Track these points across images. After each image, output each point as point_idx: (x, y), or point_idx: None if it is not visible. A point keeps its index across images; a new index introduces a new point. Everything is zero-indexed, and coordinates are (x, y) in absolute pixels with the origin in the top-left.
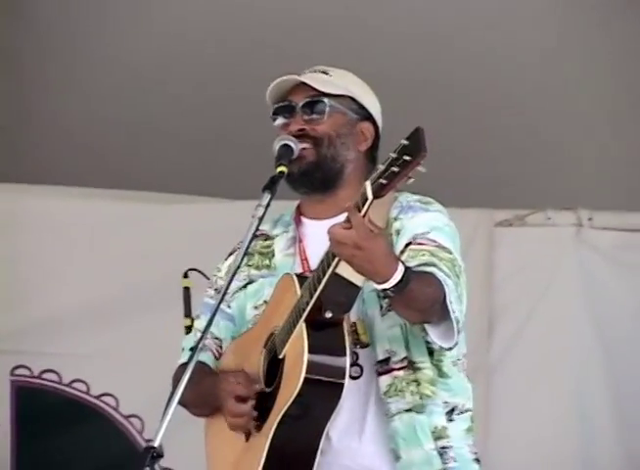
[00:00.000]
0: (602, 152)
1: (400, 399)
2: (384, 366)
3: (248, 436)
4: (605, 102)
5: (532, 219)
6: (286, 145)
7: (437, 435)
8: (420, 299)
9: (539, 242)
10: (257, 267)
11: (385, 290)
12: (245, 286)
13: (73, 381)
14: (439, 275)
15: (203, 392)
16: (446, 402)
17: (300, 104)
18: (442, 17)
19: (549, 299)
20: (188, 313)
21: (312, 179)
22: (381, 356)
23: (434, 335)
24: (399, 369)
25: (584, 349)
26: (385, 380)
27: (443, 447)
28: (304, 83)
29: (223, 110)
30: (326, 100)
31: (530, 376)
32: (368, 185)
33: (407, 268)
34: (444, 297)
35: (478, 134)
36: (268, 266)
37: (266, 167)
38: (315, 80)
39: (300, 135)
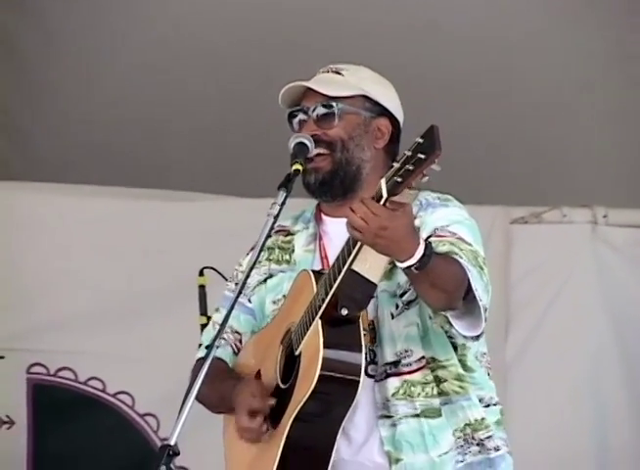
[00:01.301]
0: (617, 149)
1: (408, 403)
2: (392, 368)
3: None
4: (621, 99)
5: (548, 217)
6: (301, 143)
7: (474, 428)
8: (445, 276)
9: (555, 239)
10: (278, 262)
11: (409, 267)
12: (265, 280)
13: (89, 379)
14: (462, 261)
15: (221, 395)
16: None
17: (311, 109)
18: (462, 14)
19: (565, 296)
20: (204, 312)
21: (331, 188)
22: (389, 358)
23: (459, 326)
24: (413, 371)
25: (601, 345)
26: (392, 382)
27: (482, 439)
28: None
29: (239, 107)
30: (335, 104)
31: (547, 373)
32: (383, 183)
33: (428, 242)
34: (468, 283)
35: (494, 132)
36: (288, 261)
37: (282, 165)
38: (324, 84)
39: (314, 141)
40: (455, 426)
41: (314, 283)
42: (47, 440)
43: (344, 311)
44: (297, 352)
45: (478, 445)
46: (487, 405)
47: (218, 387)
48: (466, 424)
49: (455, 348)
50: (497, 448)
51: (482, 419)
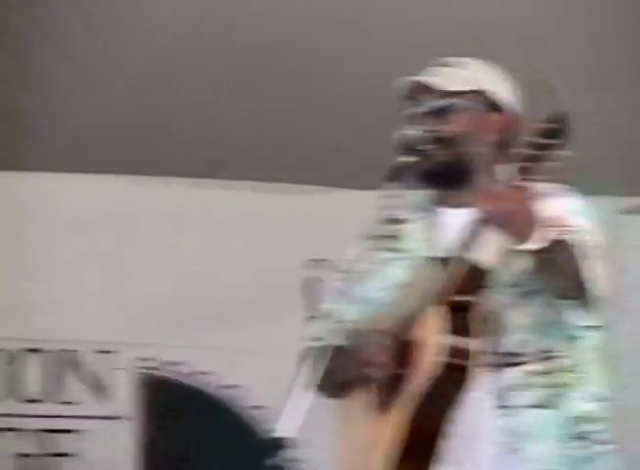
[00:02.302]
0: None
1: (526, 393)
2: (512, 359)
3: (377, 416)
4: None
5: None
6: (409, 135)
7: (581, 420)
8: (568, 264)
9: None
10: (387, 250)
11: (533, 252)
12: (374, 268)
13: (200, 373)
14: (583, 251)
15: (329, 371)
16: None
17: (428, 104)
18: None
19: None
20: (310, 304)
21: (442, 179)
22: (508, 348)
23: (580, 316)
24: (532, 362)
25: None
26: (511, 372)
27: (587, 432)
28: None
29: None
30: (453, 100)
31: None
32: (511, 168)
33: (551, 228)
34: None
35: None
36: (399, 249)
37: (390, 158)
38: (443, 79)
39: (427, 136)
40: (561, 419)
41: (432, 270)
42: (156, 434)
43: (461, 298)
44: (410, 338)
45: (581, 438)
46: (597, 400)
47: (330, 365)
48: (572, 417)
49: (571, 339)
50: (603, 443)
51: (592, 412)
